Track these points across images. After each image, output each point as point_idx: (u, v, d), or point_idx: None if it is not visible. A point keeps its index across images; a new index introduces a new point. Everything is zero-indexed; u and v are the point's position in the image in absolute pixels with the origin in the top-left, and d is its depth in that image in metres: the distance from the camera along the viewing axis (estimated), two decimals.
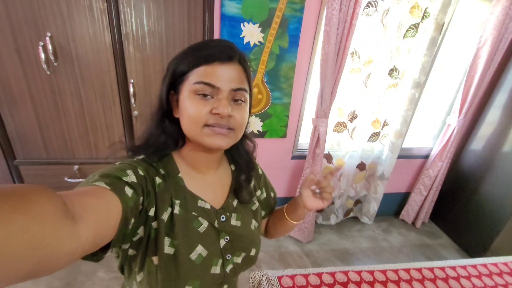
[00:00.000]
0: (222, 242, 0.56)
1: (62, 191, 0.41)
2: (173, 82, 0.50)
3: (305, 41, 1.61)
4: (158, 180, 0.50)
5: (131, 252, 0.49)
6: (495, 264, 1.36)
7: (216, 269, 0.54)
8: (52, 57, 1.23)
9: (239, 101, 0.51)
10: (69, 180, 1.50)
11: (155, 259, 0.48)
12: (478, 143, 2.08)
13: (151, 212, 0.48)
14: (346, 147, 1.96)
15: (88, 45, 1.27)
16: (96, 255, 0.40)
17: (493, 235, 1.91)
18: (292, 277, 1.13)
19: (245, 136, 0.62)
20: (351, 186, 2.16)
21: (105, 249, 0.41)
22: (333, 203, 2.13)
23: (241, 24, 1.47)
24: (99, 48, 1.29)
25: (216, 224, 0.55)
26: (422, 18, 1.65)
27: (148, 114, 0.56)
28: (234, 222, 0.59)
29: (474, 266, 1.33)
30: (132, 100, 1.41)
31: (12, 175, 1.45)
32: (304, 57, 1.66)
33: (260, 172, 0.72)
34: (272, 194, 0.75)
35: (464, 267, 1.32)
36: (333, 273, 1.18)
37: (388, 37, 1.67)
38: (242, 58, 0.51)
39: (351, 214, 2.33)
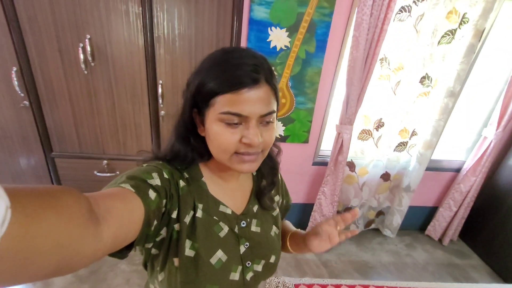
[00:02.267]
0: (242, 249, 0.56)
1: (93, 182, 0.43)
2: (196, 103, 0.48)
3: (333, 46, 1.58)
4: (182, 183, 0.51)
5: (153, 251, 0.51)
6: None
7: (235, 276, 0.54)
8: (90, 58, 1.31)
9: (268, 122, 0.49)
10: (98, 174, 1.58)
11: (176, 261, 0.49)
12: None
13: (174, 215, 0.49)
14: (370, 156, 1.89)
15: (123, 47, 1.34)
16: (121, 252, 0.41)
17: None
18: (310, 286, 1.11)
19: None
20: (374, 196, 2.08)
21: (129, 247, 0.42)
22: None
23: (269, 28, 1.47)
24: (133, 50, 1.35)
25: (236, 229, 0.56)
26: (460, 24, 1.56)
27: (172, 124, 0.55)
28: (254, 228, 0.58)
29: None
30: (160, 101, 1.46)
31: (48, 166, 1.55)
32: (330, 62, 1.63)
33: (280, 178, 0.71)
34: (287, 201, 0.74)
35: None
36: (353, 286, 1.14)
37: (421, 43, 1.60)
38: (268, 75, 0.47)
39: (373, 226, 2.24)
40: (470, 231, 2.21)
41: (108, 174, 1.59)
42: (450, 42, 1.61)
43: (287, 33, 1.49)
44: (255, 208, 0.61)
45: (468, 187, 2.04)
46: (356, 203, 2.03)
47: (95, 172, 1.58)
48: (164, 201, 0.46)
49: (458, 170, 2.12)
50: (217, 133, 0.46)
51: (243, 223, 0.57)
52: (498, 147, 1.96)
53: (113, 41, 1.32)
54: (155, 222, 0.44)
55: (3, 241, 0.21)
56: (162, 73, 1.42)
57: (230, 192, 0.58)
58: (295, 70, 1.60)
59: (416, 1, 1.49)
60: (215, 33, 1.37)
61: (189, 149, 0.52)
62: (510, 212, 1.90)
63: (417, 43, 1.59)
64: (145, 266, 0.57)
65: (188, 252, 0.49)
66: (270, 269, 0.60)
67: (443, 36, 1.59)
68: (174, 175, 0.50)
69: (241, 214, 0.57)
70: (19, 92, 1.33)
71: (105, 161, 1.58)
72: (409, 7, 1.51)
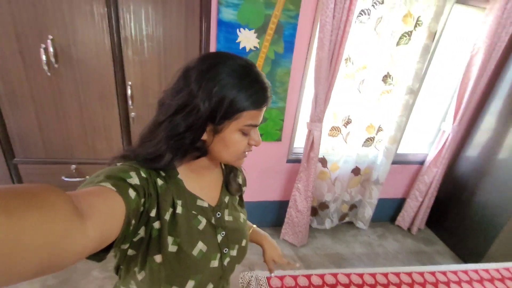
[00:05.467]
0: (219, 237, 0.60)
1: (61, 188, 0.42)
2: (220, 113, 0.49)
3: (300, 47, 1.65)
4: (159, 181, 0.52)
5: (130, 252, 0.51)
6: (487, 270, 1.36)
7: (215, 263, 0.58)
8: (53, 59, 1.28)
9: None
10: (66, 179, 1.53)
11: (157, 258, 0.51)
12: (473, 150, 2.09)
13: (153, 213, 0.49)
14: (340, 152, 1.98)
15: (88, 48, 1.32)
16: (98, 255, 0.41)
17: (488, 242, 1.91)
18: (281, 278, 1.15)
19: None
20: (346, 190, 2.17)
21: (106, 249, 0.42)
22: (328, 207, 2.14)
23: (237, 30, 1.51)
24: (99, 51, 1.33)
25: (213, 221, 0.60)
26: (415, 26, 1.69)
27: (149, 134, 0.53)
28: (227, 217, 0.64)
29: (465, 272, 1.33)
30: (130, 102, 1.45)
31: (10, 173, 1.48)
32: (299, 62, 1.69)
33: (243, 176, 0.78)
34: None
35: (455, 272, 1.32)
36: (322, 275, 1.19)
37: (382, 44, 1.71)
38: None
39: (346, 219, 2.33)
40: (435, 219, 2.37)
41: (77, 179, 1.54)
42: (407, 43, 1.73)
43: (256, 34, 1.54)
44: (227, 198, 0.66)
45: (431, 178, 2.19)
46: (330, 198, 2.10)
47: (63, 177, 1.53)
48: (143, 200, 0.46)
49: (422, 163, 2.27)
50: (237, 141, 0.54)
51: (218, 214, 0.62)
52: (455, 140, 2.13)
53: (78, 42, 1.30)
54: (133, 222, 0.44)
55: None
56: (131, 74, 1.41)
57: (205, 185, 0.62)
58: (265, 70, 1.65)
59: (375, 5, 1.60)
60: (183, 34, 1.38)
61: (178, 155, 0.52)
62: (470, 200, 2.07)
63: (378, 44, 1.70)
64: (117, 270, 0.58)
65: (171, 247, 0.51)
66: (242, 252, 0.66)
67: (400, 38, 1.71)
68: (151, 173, 0.51)
69: (216, 206, 0.62)
70: None
71: (73, 166, 1.53)
72: (369, 10, 1.61)
